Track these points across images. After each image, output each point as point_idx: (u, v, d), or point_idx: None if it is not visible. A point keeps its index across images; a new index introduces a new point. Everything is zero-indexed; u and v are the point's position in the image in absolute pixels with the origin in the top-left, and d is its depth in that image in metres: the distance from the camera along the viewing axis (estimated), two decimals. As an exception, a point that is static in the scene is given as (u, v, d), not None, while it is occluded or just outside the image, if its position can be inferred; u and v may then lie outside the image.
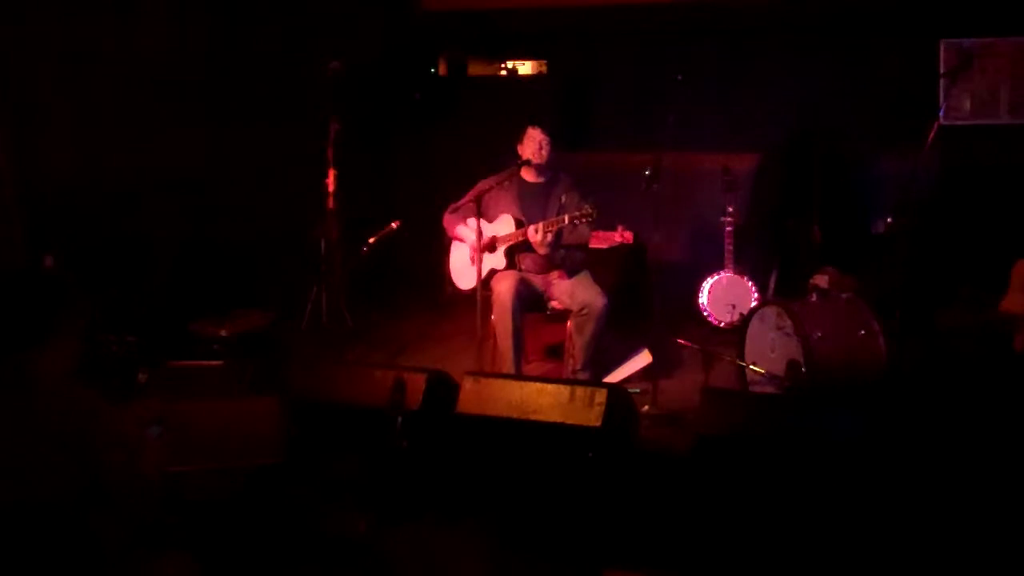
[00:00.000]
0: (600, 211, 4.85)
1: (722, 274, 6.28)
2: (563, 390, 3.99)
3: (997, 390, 4.42)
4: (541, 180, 5.16)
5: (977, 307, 4.95)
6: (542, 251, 4.93)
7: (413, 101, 7.64)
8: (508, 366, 4.89)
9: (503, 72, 7.87)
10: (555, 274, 5.10)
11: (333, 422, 4.16)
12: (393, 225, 5.65)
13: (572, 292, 5.01)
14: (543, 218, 4.92)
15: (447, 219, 5.27)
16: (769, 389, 4.67)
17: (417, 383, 4.14)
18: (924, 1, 6.50)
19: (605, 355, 5.07)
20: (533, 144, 5.06)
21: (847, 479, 3.49)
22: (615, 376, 4.93)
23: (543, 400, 3.99)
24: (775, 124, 6.76)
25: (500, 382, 4.17)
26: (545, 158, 5.08)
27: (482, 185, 5.07)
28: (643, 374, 4.99)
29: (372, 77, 7.11)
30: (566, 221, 4.83)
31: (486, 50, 7.95)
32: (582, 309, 4.92)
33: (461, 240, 5.24)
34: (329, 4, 6.94)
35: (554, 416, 3.93)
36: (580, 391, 3.96)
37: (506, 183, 5.11)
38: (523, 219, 5.03)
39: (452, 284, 5.34)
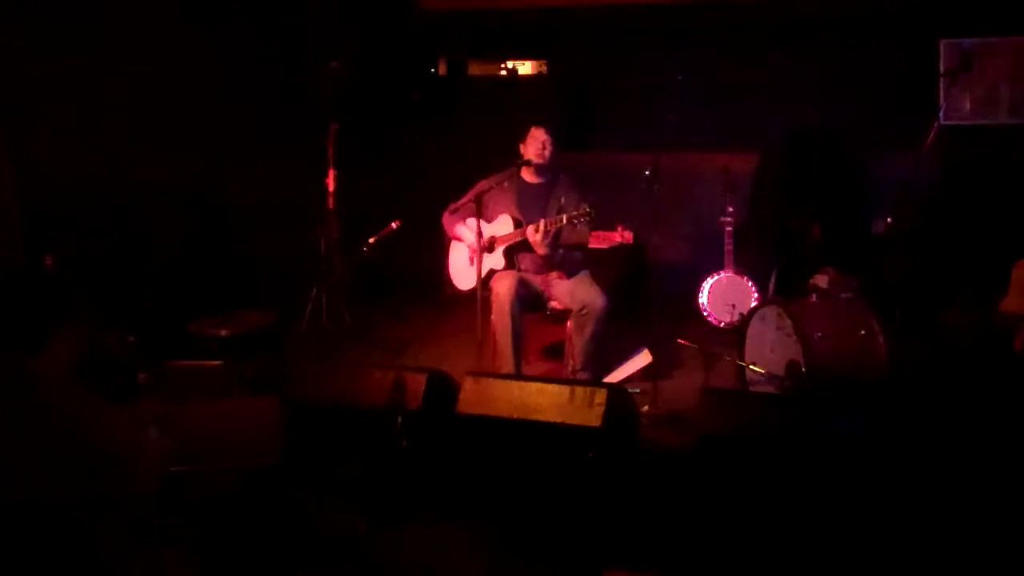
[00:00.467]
0: (600, 211, 4.85)
1: (722, 274, 6.28)
2: (563, 390, 4.00)
3: (997, 390, 4.42)
4: (541, 180, 5.16)
5: (977, 307, 4.95)
6: (541, 251, 4.93)
7: (413, 101, 7.64)
8: (508, 366, 4.90)
9: (503, 72, 7.87)
10: (554, 274, 5.10)
11: (333, 422, 4.16)
12: (393, 225, 5.66)
13: (572, 292, 5.01)
14: (542, 218, 4.92)
15: (446, 219, 5.28)
16: (769, 389, 4.67)
17: (417, 383, 4.14)
18: (924, 1, 6.51)
19: (605, 355, 5.07)
20: (536, 144, 5.07)
21: (847, 479, 3.49)
22: (615, 376, 4.93)
23: (543, 400, 3.99)
24: (775, 124, 6.75)
25: (500, 382, 4.17)
26: (547, 159, 5.08)
27: (482, 185, 5.08)
28: (643, 374, 5.00)
29: (372, 77, 7.11)
30: (565, 221, 4.83)
31: (486, 50, 7.95)
32: (582, 309, 4.92)
33: (460, 240, 5.24)
34: (329, 4, 6.94)
35: (554, 416, 3.93)
36: (580, 391, 3.96)
37: (506, 183, 5.11)
38: (522, 219, 5.03)
39: (451, 284, 5.34)
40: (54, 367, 2.47)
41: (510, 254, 5.10)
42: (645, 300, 5.87)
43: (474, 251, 4.88)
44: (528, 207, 5.09)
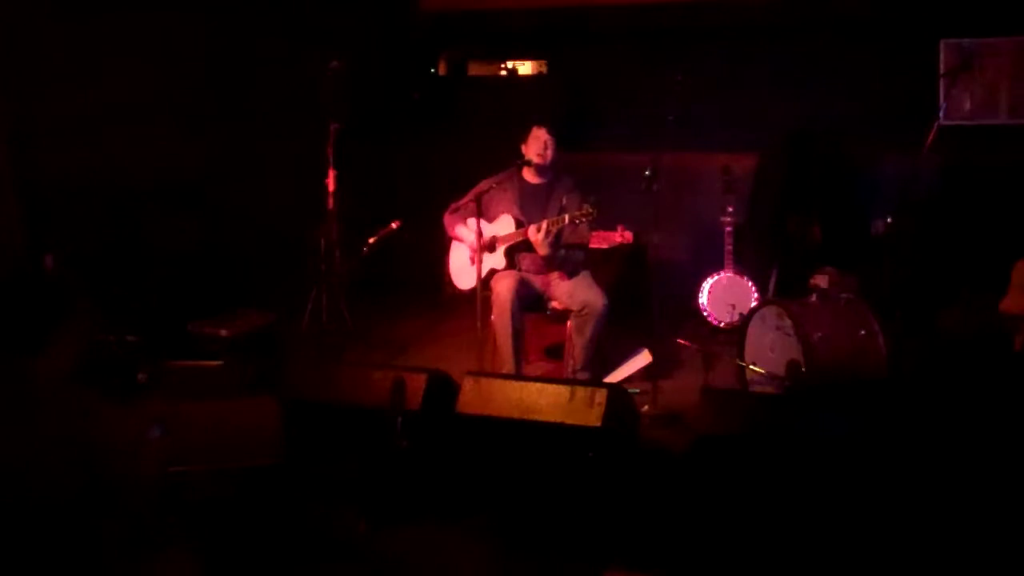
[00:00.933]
0: (600, 211, 4.85)
1: (722, 274, 6.28)
2: (563, 390, 3.99)
3: (997, 390, 4.42)
4: (542, 181, 5.16)
5: (977, 307, 4.95)
6: (542, 251, 4.93)
7: (413, 101, 7.64)
8: (508, 366, 4.90)
9: (503, 72, 7.87)
10: (555, 274, 5.10)
11: (333, 422, 4.16)
12: (393, 225, 5.66)
13: (572, 292, 5.01)
14: (543, 219, 4.92)
15: (447, 219, 5.28)
16: (769, 389, 4.67)
17: (417, 383, 4.14)
18: (924, 1, 6.51)
19: (605, 355, 5.07)
20: (538, 144, 5.07)
21: (847, 479, 3.48)
22: (615, 376, 4.93)
23: (543, 400, 3.98)
24: (775, 124, 6.75)
25: (500, 382, 4.17)
26: (549, 159, 5.08)
27: (482, 185, 5.08)
28: (643, 374, 5.00)
29: (372, 77, 7.11)
30: (566, 221, 4.83)
31: (486, 50, 7.96)
32: (582, 309, 4.92)
33: (461, 240, 5.24)
34: (329, 4, 6.94)
35: (554, 416, 3.93)
36: (580, 391, 3.96)
37: (506, 183, 5.12)
38: (523, 219, 5.03)
39: (452, 284, 5.34)
40: (54, 367, 2.46)
41: (511, 254, 5.10)
42: (645, 300, 5.86)
43: (475, 251, 4.88)
44: (529, 207, 5.09)
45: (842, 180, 6.46)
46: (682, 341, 5.05)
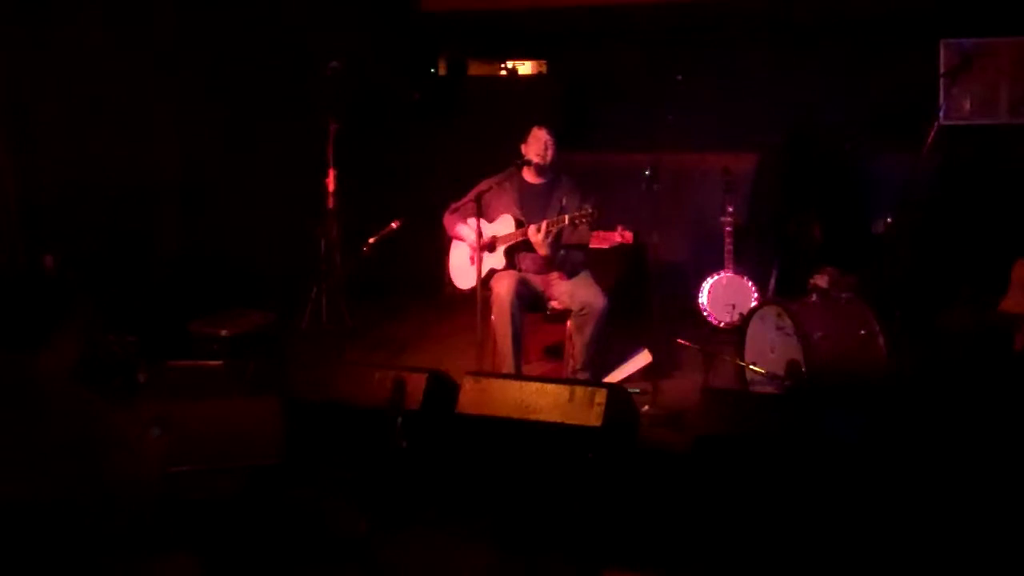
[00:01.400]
0: (600, 211, 4.85)
1: (722, 274, 6.28)
2: (563, 390, 3.99)
3: (997, 390, 4.42)
4: (542, 181, 5.16)
5: (977, 307, 4.95)
6: (543, 251, 4.93)
7: (413, 101, 7.64)
8: (508, 366, 4.90)
9: (503, 72, 7.87)
10: (555, 274, 5.10)
11: (333, 422, 4.16)
12: (393, 225, 5.65)
13: (572, 292, 5.01)
14: (543, 219, 4.92)
15: (447, 219, 5.28)
16: (769, 389, 4.67)
17: (417, 383, 4.14)
18: (924, 1, 6.51)
19: (605, 355, 5.07)
20: (538, 145, 5.07)
21: (847, 479, 3.49)
22: (615, 376, 4.93)
23: (543, 400, 3.98)
24: (775, 124, 6.76)
25: (500, 382, 4.17)
26: (549, 159, 5.08)
27: (482, 185, 5.08)
28: (643, 374, 5.00)
29: (372, 77, 7.11)
30: (567, 221, 4.83)
31: (486, 50, 7.96)
32: (582, 309, 4.92)
33: (461, 240, 5.24)
34: (329, 4, 6.94)
35: (554, 416, 3.93)
36: (580, 391, 3.96)
37: (506, 183, 5.12)
38: (523, 219, 5.03)
39: (452, 284, 5.34)
40: (54, 367, 2.46)
41: (511, 254, 5.10)
42: (645, 300, 5.87)
43: (475, 250, 4.88)
44: (529, 207, 5.09)
45: (842, 180, 6.46)
46: (682, 341, 5.04)
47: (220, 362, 4.85)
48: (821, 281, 4.83)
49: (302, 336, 5.96)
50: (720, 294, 6.27)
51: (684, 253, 6.74)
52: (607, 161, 6.86)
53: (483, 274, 4.86)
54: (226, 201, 6.22)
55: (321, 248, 6.06)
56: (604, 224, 5.69)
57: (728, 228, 6.22)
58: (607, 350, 5.09)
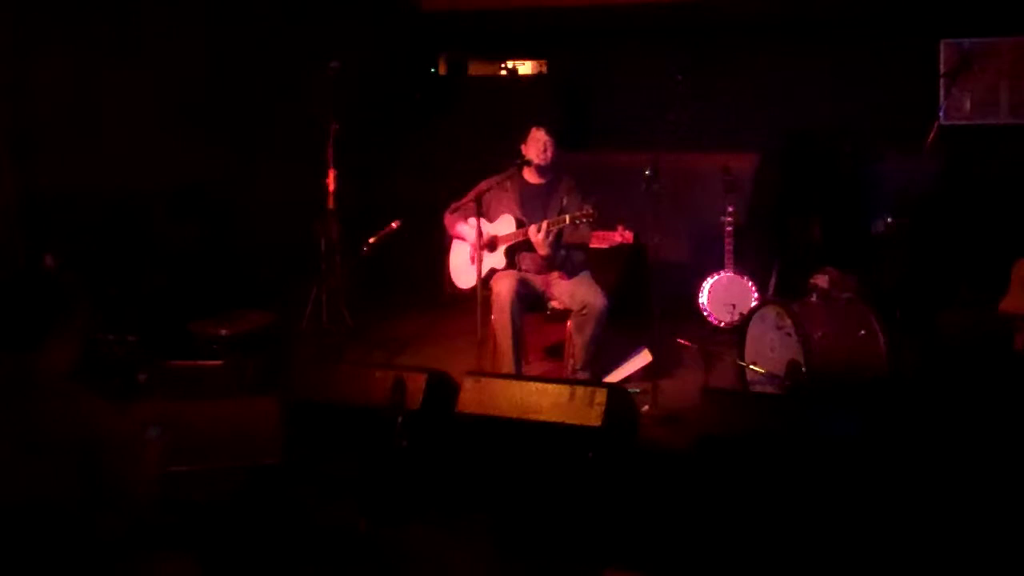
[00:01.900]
0: (600, 211, 4.86)
1: (722, 274, 6.28)
2: (563, 390, 3.99)
3: (997, 390, 4.42)
4: (543, 181, 5.17)
5: (977, 307, 4.95)
6: (543, 251, 4.93)
7: (413, 101, 7.64)
8: (508, 366, 4.90)
9: (503, 72, 7.87)
10: (555, 274, 5.10)
11: (333, 422, 4.16)
12: (393, 225, 5.65)
13: (572, 292, 5.01)
14: (544, 219, 4.92)
15: (447, 218, 5.28)
16: (769, 389, 4.67)
17: (417, 383, 4.14)
18: (924, 1, 6.51)
19: (605, 355, 5.07)
20: (537, 145, 5.08)
21: (847, 479, 3.49)
22: (615, 376, 4.93)
23: (543, 400, 3.98)
24: (775, 124, 6.76)
25: (500, 382, 4.17)
26: (548, 159, 5.09)
27: (483, 185, 5.08)
28: (643, 374, 5.00)
29: (372, 77, 7.11)
30: (567, 221, 4.83)
31: (486, 50, 7.96)
32: (582, 309, 4.92)
33: (462, 239, 5.24)
34: (329, 4, 6.94)
35: (554, 416, 3.93)
36: (580, 391, 3.96)
37: (507, 183, 5.12)
38: (524, 219, 5.04)
39: (452, 284, 5.34)
40: (54, 367, 2.46)
41: (511, 254, 5.10)
42: (645, 300, 5.86)
43: (475, 250, 4.88)
44: (530, 207, 5.09)
45: (842, 180, 6.46)
46: (682, 341, 5.05)
47: (220, 362, 4.84)
48: (821, 281, 4.83)
49: (302, 336, 5.96)
50: (720, 294, 6.27)
51: (684, 253, 6.73)
52: (607, 161, 6.86)
53: (483, 274, 4.86)
54: (226, 201, 6.22)
55: (321, 248, 6.06)
56: (604, 224, 5.67)
57: (728, 228, 6.22)
58: (607, 350, 5.09)
